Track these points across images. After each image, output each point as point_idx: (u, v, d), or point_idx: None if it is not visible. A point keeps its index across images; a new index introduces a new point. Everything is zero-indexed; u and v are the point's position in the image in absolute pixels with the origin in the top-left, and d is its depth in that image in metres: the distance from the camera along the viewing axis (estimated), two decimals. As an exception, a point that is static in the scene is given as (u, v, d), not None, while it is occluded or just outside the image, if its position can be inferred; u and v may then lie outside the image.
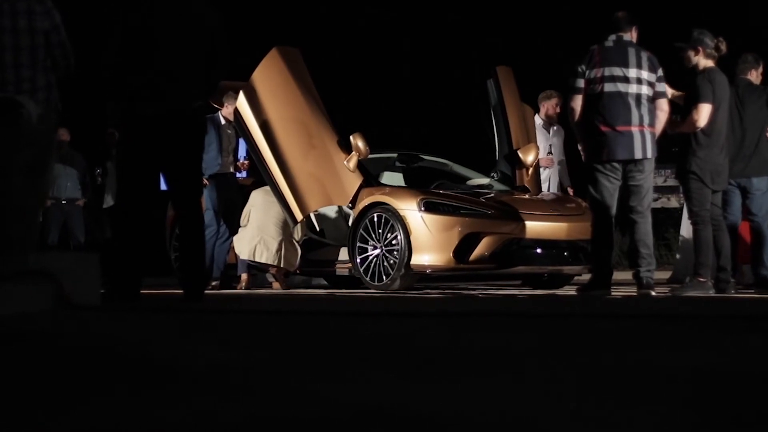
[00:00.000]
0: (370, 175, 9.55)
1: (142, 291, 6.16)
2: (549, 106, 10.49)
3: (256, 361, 2.66)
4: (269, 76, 9.31)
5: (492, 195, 9.54)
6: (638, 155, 7.06)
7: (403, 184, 10.32)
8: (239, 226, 9.69)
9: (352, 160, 9.22)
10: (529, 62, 15.58)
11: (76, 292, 4.94)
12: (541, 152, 10.37)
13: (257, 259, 9.51)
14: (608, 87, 7.05)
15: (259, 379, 2.30)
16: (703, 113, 7.42)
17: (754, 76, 8.20)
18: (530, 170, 10.07)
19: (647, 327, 4.06)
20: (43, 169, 5.25)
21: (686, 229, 10.16)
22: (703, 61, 7.60)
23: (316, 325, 4.20)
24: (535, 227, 8.91)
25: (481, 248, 8.69)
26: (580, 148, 9.70)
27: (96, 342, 3.39)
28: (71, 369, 2.54)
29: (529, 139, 10.20)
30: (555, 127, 10.56)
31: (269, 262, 9.52)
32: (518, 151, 10.03)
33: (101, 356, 2.85)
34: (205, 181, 9.41)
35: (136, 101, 6.01)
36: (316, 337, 3.51)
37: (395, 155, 10.64)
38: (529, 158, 9.96)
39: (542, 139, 10.45)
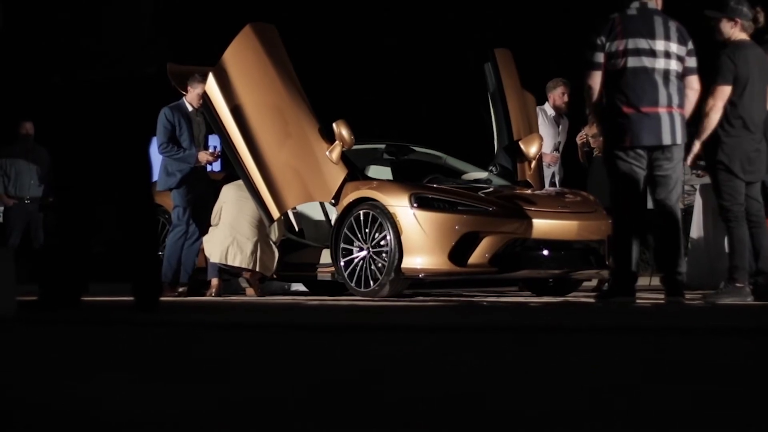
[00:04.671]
0: (355, 168, 9.00)
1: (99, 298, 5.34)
2: (555, 96, 10.09)
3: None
4: (242, 56, 8.79)
5: (491, 190, 8.99)
6: (666, 141, 6.42)
7: (391, 178, 9.84)
8: (209, 226, 9.13)
9: (335, 151, 8.66)
10: (531, 44, 15.26)
11: None
12: (549, 147, 9.90)
13: (229, 263, 8.99)
14: (632, 62, 6.44)
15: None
16: (720, 96, 6.74)
17: None
18: (533, 163, 9.53)
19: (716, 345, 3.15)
20: None
21: (696, 230, 9.69)
22: (737, 34, 6.85)
23: (293, 346, 3.30)
24: (541, 226, 8.28)
25: (480, 250, 8.07)
26: (579, 138, 8.84)
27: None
28: None
29: (531, 128, 9.66)
30: (564, 122, 10.15)
31: (243, 266, 9.00)
32: (519, 143, 9.48)
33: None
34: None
35: (80, 66, 5.39)
36: (293, 365, 2.57)
37: (383, 146, 10.10)
38: (531, 150, 9.42)
39: (552, 133, 10.02)
